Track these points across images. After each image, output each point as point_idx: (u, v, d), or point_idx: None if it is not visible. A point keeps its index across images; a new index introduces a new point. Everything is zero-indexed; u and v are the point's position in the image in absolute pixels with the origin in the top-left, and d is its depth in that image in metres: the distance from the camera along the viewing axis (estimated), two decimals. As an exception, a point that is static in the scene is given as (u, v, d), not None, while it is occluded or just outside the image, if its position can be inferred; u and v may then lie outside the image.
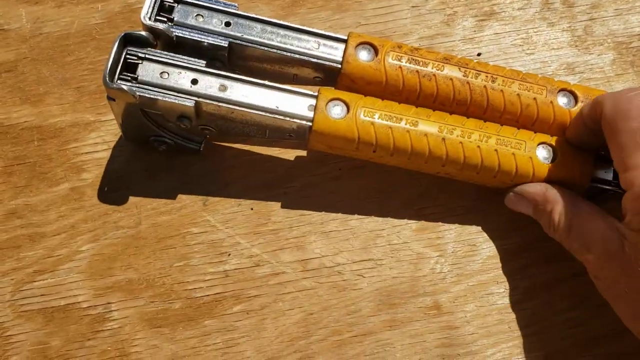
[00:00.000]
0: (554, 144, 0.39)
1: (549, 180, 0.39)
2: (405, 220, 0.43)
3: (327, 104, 0.38)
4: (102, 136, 0.45)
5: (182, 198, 0.44)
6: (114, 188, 0.44)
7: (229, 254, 0.42)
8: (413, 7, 0.49)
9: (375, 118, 0.38)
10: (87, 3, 0.49)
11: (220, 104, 0.38)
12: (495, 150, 0.39)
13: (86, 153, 0.45)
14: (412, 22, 0.49)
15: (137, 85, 0.38)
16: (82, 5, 0.49)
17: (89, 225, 0.43)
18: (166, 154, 0.44)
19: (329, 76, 0.41)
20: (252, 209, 0.43)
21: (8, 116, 0.46)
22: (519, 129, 0.40)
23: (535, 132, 0.40)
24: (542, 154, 0.39)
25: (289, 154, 0.45)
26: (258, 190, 0.44)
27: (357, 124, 0.38)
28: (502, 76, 0.40)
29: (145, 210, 0.43)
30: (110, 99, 0.38)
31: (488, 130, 0.39)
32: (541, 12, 0.49)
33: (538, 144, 0.39)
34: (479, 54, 0.48)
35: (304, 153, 0.45)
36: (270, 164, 0.45)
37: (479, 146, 0.38)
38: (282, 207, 0.43)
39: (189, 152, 0.43)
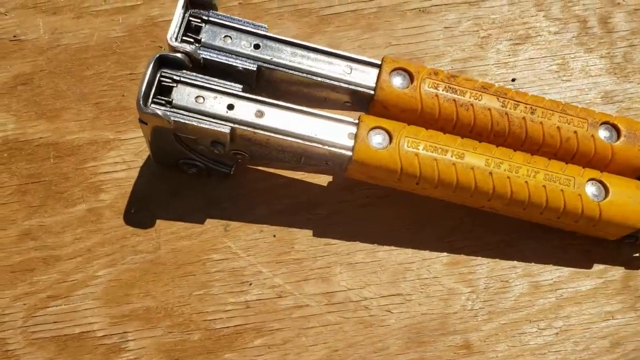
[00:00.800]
0: (604, 180, 0.37)
1: (599, 219, 0.37)
2: (437, 254, 0.41)
3: (368, 132, 0.37)
4: (122, 155, 0.44)
5: (203, 222, 0.42)
6: (133, 210, 0.42)
7: (251, 284, 0.41)
8: (446, 28, 0.48)
9: (420, 149, 0.36)
10: (107, 15, 0.48)
11: (257, 130, 0.36)
12: (544, 186, 0.37)
13: (105, 173, 0.43)
14: (445, 43, 0.47)
15: (171, 109, 0.36)
16: (102, 17, 0.48)
17: (106, 249, 0.41)
18: (187, 176, 0.42)
19: (360, 101, 0.39)
20: (274, 235, 0.42)
21: (23, 131, 0.45)
22: (566, 163, 0.38)
23: (584, 167, 0.38)
24: (592, 190, 0.37)
25: (315, 179, 0.43)
26: (281, 216, 0.42)
27: (400, 154, 0.36)
28: (541, 107, 0.39)
29: (164, 235, 0.42)
30: (142, 122, 0.36)
31: (536, 165, 0.37)
32: (578, 37, 0.47)
33: (587, 180, 0.37)
34: (513, 80, 0.46)
35: (330, 178, 0.43)
36: (295, 188, 0.43)
37: (526, 181, 0.37)
38: (307, 235, 0.42)
39: (218, 175, 0.41)
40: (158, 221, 0.42)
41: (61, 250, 0.41)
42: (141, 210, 0.42)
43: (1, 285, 0.41)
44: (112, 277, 0.41)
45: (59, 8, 0.48)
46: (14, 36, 0.47)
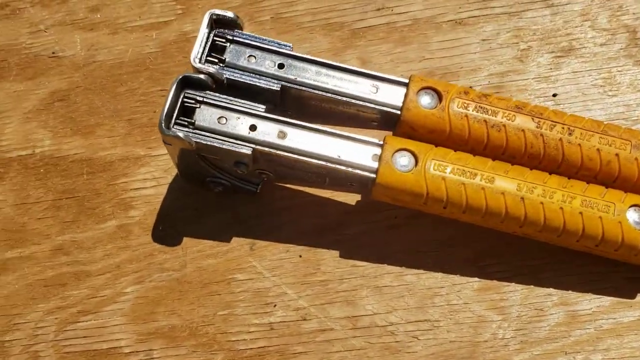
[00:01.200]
0: None
1: None
2: (467, 278, 0.40)
3: (393, 154, 0.36)
4: (152, 172, 0.44)
5: (229, 241, 0.42)
6: (161, 227, 0.42)
7: (275, 305, 0.40)
8: (483, 40, 0.46)
9: (447, 172, 0.35)
10: (141, 31, 0.48)
11: (279, 152, 0.36)
12: (580, 212, 0.35)
13: (135, 189, 0.44)
14: (482, 57, 0.45)
15: (193, 131, 0.36)
16: (136, 32, 0.48)
17: (134, 266, 0.42)
18: (214, 194, 0.42)
19: (387, 121, 0.38)
20: (300, 256, 0.41)
21: (59, 147, 0.45)
22: (607, 187, 0.36)
23: (626, 192, 0.36)
24: (634, 217, 0.35)
25: (343, 198, 0.42)
26: (308, 236, 0.41)
27: (426, 178, 0.35)
28: (580, 128, 0.36)
29: (191, 253, 0.42)
30: (166, 142, 0.36)
31: (572, 190, 0.35)
32: (627, 48, 0.45)
33: (629, 207, 0.35)
34: (554, 95, 0.44)
35: (358, 197, 0.42)
36: (322, 208, 0.42)
37: (561, 207, 0.35)
38: (333, 256, 0.41)
39: (245, 193, 0.41)
40: (185, 239, 0.42)
41: (92, 266, 0.42)
42: (169, 227, 0.42)
43: (35, 299, 0.42)
44: (139, 294, 0.41)
45: (95, 24, 0.49)
46: (53, 53, 0.48)
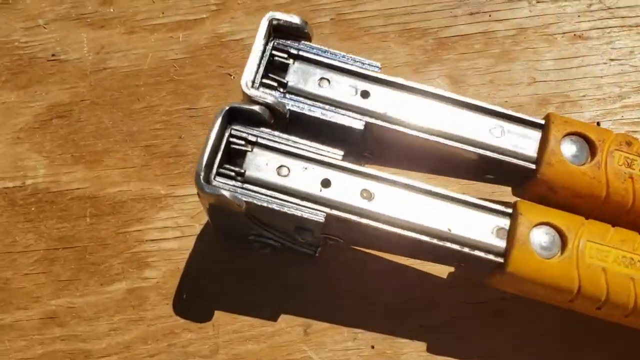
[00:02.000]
0: None
1: None
2: (605, 393, 0.30)
3: (531, 230, 0.25)
4: (175, 218, 0.36)
5: (276, 319, 0.33)
6: (185, 295, 0.34)
7: (340, 419, 0.30)
8: (612, 60, 0.36)
9: (609, 261, 0.25)
10: (165, 31, 0.40)
11: (363, 220, 0.26)
12: None
13: (152, 240, 0.35)
14: (611, 82, 0.36)
15: (242, 186, 0.27)
16: (158, 33, 0.40)
17: (149, 348, 0.33)
18: (259, 252, 0.33)
19: (510, 177, 0.28)
20: (373, 347, 0.32)
21: (56, 179, 0.37)
22: None
23: None
24: None
25: (430, 267, 0.33)
26: (383, 318, 0.33)
27: (580, 268, 0.25)
28: None
29: (224, 333, 0.33)
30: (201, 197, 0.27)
31: None
32: None
33: None
34: None
35: (451, 268, 0.32)
36: (403, 279, 0.33)
37: None
38: (418, 349, 0.32)
39: (299, 256, 0.32)
40: (217, 313, 0.33)
41: (93, 343, 0.33)
42: (196, 295, 0.34)
43: (17, 387, 0.33)
44: (155, 389, 0.31)
45: (107, 21, 0.41)
46: (53, 55, 0.40)
